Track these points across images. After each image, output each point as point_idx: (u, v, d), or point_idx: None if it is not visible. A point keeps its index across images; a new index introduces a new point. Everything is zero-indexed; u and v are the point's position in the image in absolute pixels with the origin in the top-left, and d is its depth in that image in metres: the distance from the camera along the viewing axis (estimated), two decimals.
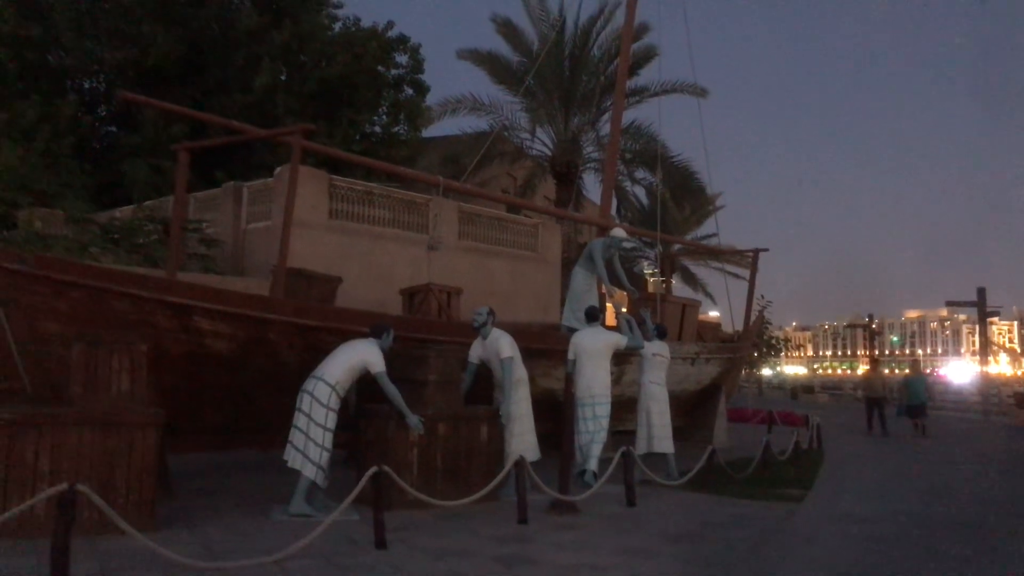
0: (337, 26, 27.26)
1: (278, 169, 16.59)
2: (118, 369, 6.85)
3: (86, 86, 26.73)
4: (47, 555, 4.98)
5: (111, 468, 6.48)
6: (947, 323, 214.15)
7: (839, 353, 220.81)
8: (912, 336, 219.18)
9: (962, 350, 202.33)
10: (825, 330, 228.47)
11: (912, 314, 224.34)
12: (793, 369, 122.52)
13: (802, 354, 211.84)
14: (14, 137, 21.19)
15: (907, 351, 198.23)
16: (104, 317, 7.65)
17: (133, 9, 23.72)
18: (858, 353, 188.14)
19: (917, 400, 19.70)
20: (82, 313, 7.57)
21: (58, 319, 7.48)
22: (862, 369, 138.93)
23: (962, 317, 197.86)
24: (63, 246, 14.35)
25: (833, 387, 54.83)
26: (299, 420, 7.60)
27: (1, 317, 7.28)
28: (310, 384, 7.69)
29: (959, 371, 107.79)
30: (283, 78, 24.83)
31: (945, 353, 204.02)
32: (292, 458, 7.53)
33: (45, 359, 7.46)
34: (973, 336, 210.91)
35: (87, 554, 5.63)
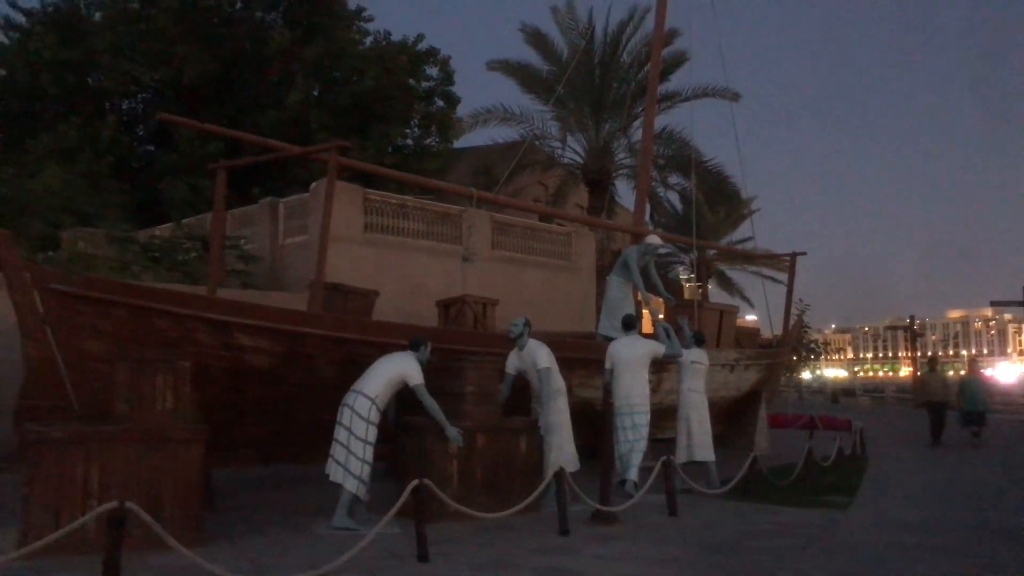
0: (368, 41, 27.55)
1: (313, 184, 16.78)
2: (162, 386, 6.96)
3: (124, 107, 27.29)
4: (98, 571, 5.08)
5: (157, 484, 6.59)
6: (992, 323, 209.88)
7: (880, 355, 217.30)
8: (955, 337, 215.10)
9: (1008, 350, 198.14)
10: (865, 332, 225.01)
11: (955, 314, 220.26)
12: (833, 372, 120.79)
13: (842, 357, 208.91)
14: (56, 159, 21.67)
15: (950, 352, 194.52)
16: (147, 335, 7.78)
17: (168, 30, 24.18)
18: (899, 355, 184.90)
19: (976, 406, 17.57)
20: (125, 332, 7.70)
21: (102, 338, 7.63)
22: (904, 371, 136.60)
23: (1008, 316, 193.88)
24: (105, 265, 14.65)
25: (874, 390, 54.00)
26: (340, 434, 7.66)
27: (49, 336, 7.43)
28: (350, 398, 7.75)
29: (1007, 372, 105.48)
30: (316, 94, 25.14)
31: (991, 354, 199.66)
32: (334, 472, 7.59)
33: (90, 377, 7.60)
34: (1020, 336, 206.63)
35: (136, 570, 5.72)
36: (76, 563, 5.91)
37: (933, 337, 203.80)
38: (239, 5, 26.14)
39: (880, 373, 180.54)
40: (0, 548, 6.18)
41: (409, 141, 27.50)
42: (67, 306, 7.48)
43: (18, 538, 6.22)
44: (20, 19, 26.07)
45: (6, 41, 25.96)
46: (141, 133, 27.38)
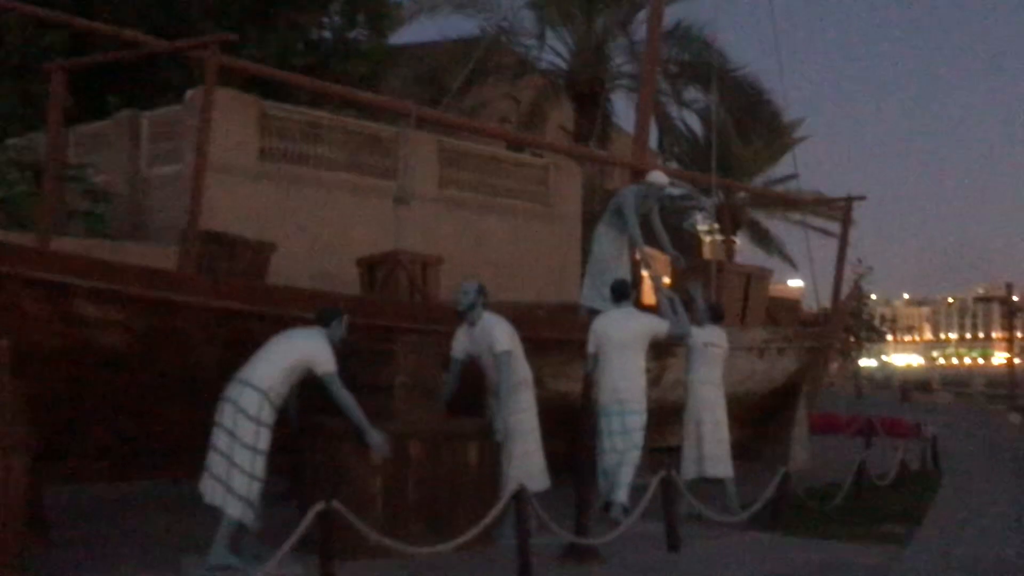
0: None
1: (189, 93, 16.58)
2: None
3: None
4: None
5: None
6: None
7: (967, 336, 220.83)
8: None
9: None
10: (949, 305, 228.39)
11: None
12: (905, 359, 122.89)
13: (917, 338, 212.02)
14: None
15: None
16: None
17: None
18: (992, 335, 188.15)
19: None
20: None
21: None
22: (998, 357, 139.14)
23: None
24: None
25: (957, 382, 54.75)
26: (220, 440, 7.66)
27: None
28: (234, 391, 7.75)
29: None
30: None
31: None
32: (211, 491, 7.60)
33: None
34: None
35: None
36: None
37: None
38: None
39: (967, 360, 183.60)
40: None
41: (327, 34, 27.23)
42: None
43: None
44: None
45: None
46: None
